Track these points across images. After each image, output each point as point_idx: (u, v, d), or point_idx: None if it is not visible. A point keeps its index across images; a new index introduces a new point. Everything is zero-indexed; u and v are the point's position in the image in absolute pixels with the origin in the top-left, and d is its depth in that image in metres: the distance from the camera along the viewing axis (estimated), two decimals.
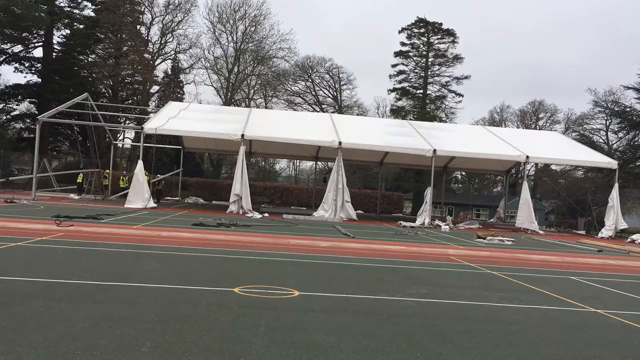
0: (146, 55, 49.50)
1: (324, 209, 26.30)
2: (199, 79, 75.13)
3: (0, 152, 39.24)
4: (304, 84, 64.91)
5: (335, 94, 65.68)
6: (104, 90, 47.17)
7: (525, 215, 26.94)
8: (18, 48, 45.69)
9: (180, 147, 36.49)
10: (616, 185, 27.40)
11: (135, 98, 49.45)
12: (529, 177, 49.41)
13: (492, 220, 35.89)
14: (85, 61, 48.40)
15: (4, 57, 45.12)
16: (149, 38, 51.87)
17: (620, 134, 52.71)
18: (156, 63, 52.05)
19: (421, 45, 59.87)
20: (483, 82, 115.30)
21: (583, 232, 31.07)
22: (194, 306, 6.33)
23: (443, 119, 58.97)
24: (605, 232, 27.31)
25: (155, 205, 25.09)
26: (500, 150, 28.62)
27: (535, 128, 64.78)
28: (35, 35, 45.09)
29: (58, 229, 13.19)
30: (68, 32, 47.56)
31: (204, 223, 18.00)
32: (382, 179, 41.28)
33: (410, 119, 51.51)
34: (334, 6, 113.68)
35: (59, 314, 5.57)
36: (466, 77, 60.00)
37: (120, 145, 49.04)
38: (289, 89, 63.46)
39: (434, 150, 26.71)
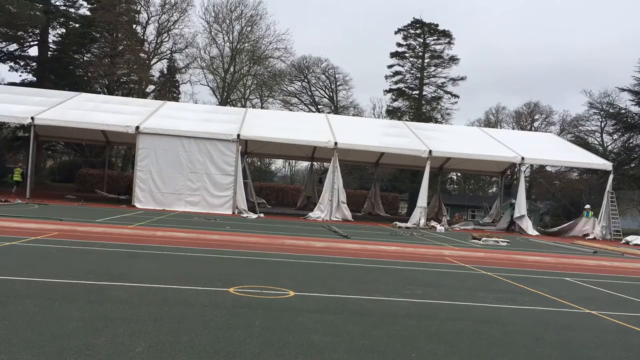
0: (142, 55, 49.35)
1: (319, 209, 26.30)
2: (195, 79, 75.14)
3: None
4: (300, 84, 65.06)
5: (331, 94, 65.80)
6: (99, 89, 46.98)
7: (522, 205, 27.31)
8: (13, 47, 45.49)
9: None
10: (609, 183, 27.62)
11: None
12: (525, 178, 49.57)
13: (485, 219, 35.89)
14: (81, 60, 48.20)
15: None
16: (145, 37, 51.79)
17: (615, 136, 53.03)
18: (152, 62, 51.94)
19: (417, 46, 60.07)
20: (479, 82, 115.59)
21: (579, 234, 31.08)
22: (188, 306, 6.32)
23: (439, 120, 59.17)
24: (597, 234, 27.61)
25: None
26: (496, 151, 28.70)
27: (530, 129, 64.99)
28: (30, 33, 44.89)
29: (53, 229, 13.13)
30: (63, 30, 47.35)
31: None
32: (378, 179, 41.23)
33: (406, 120, 51.66)
34: (331, 6, 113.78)
35: (53, 314, 5.55)
36: (462, 79, 60.29)
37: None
38: (285, 89, 63.57)
39: (430, 151, 26.75)
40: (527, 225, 27.54)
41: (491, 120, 70.59)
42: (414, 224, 26.02)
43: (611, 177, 27.92)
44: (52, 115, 25.72)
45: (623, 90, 45.36)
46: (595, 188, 35.79)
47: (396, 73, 60.88)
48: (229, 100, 55.40)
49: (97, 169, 40.20)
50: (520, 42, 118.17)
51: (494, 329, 6.44)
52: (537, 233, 27.77)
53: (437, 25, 58.94)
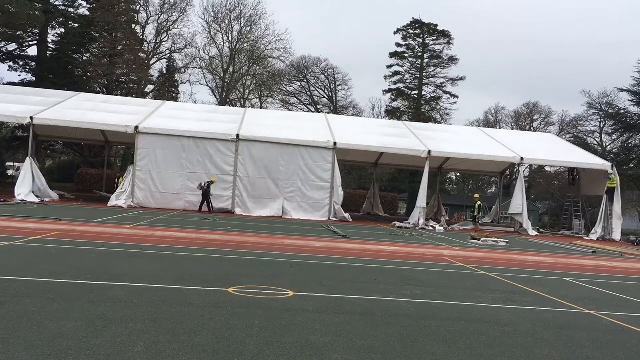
0: (141, 55, 49.31)
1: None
2: (194, 79, 74.99)
3: None
4: (299, 84, 64.96)
5: (330, 94, 65.73)
6: (98, 89, 46.94)
7: (519, 202, 27.24)
8: (12, 46, 45.47)
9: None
10: (607, 184, 27.72)
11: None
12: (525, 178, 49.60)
13: (485, 219, 35.82)
14: (80, 60, 48.18)
15: None
16: (144, 37, 51.76)
17: (614, 136, 53.05)
18: (151, 62, 51.90)
19: (416, 47, 60.05)
20: (478, 83, 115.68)
21: (581, 234, 31.06)
22: (188, 306, 6.32)
23: (438, 120, 59.15)
24: (593, 235, 27.66)
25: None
26: (495, 151, 28.71)
27: (529, 130, 64.97)
28: (29, 33, 44.87)
29: (52, 229, 13.13)
30: (63, 30, 47.36)
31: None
32: (377, 179, 41.22)
33: (406, 120, 51.63)
34: (330, 5, 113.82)
35: (52, 314, 5.55)
36: (461, 79, 60.28)
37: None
38: (284, 89, 63.50)
39: (429, 152, 26.75)
40: (528, 226, 27.56)
41: (490, 121, 70.55)
42: (413, 224, 26.02)
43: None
44: (51, 115, 25.70)
45: (622, 90, 45.40)
46: None
47: (395, 73, 60.89)
48: (228, 100, 55.37)
49: (96, 169, 40.16)
50: (521, 42, 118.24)
51: (493, 329, 6.44)
52: (536, 233, 27.78)
53: (436, 25, 58.95)
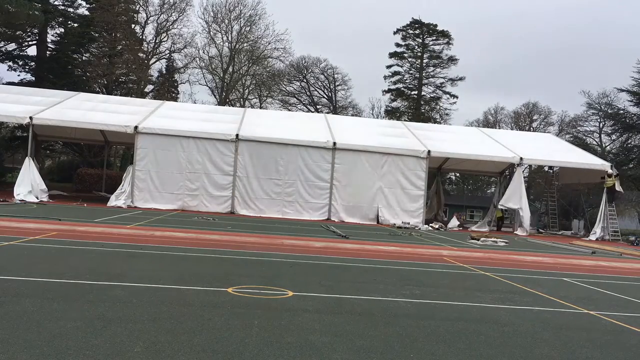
0: (141, 55, 49.33)
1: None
2: (194, 79, 74.96)
3: None
4: (298, 84, 65.05)
5: (330, 94, 65.82)
6: (98, 89, 46.93)
7: (514, 196, 27.09)
8: (12, 46, 45.46)
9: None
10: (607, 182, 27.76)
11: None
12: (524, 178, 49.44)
13: (487, 219, 35.70)
14: (80, 60, 48.18)
15: None
16: (144, 37, 51.76)
17: (614, 136, 53.13)
18: (151, 62, 51.92)
19: (416, 47, 60.17)
20: (478, 83, 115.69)
21: (581, 234, 31.04)
22: (187, 306, 6.33)
23: (437, 120, 59.22)
24: (593, 235, 27.59)
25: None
26: (494, 151, 28.72)
27: (529, 130, 65.00)
28: (29, 33, 44.86)
29: (52, 228, 13.12)
30: (62, 30, 47.34)
31: None
32: None
33: (405, 120, 51.67)
34: (330, 6, 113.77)
35: (51, 314, 5.55)
36: (461, 79, 60.41)
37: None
38: (284, 89, 63.57)
39: (429, 152, 26.78)
40: (527, 224, 27.29)
41: (490, 121, 70.60)
42: (413, 224, 26.02)
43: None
44: (51, 115, 25.68)
45: (621, 90, 45.49)
46: (594, 189, 35.81)
47: (395, 73, 61.00)
48: (227, 100, 55.38)
49: (95, 169, 40.15)
50: (520, 41, 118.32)
51: (492, 329, 6.45)
52: (524, 233, 27.16)
53: (435, 25, 59.07)
